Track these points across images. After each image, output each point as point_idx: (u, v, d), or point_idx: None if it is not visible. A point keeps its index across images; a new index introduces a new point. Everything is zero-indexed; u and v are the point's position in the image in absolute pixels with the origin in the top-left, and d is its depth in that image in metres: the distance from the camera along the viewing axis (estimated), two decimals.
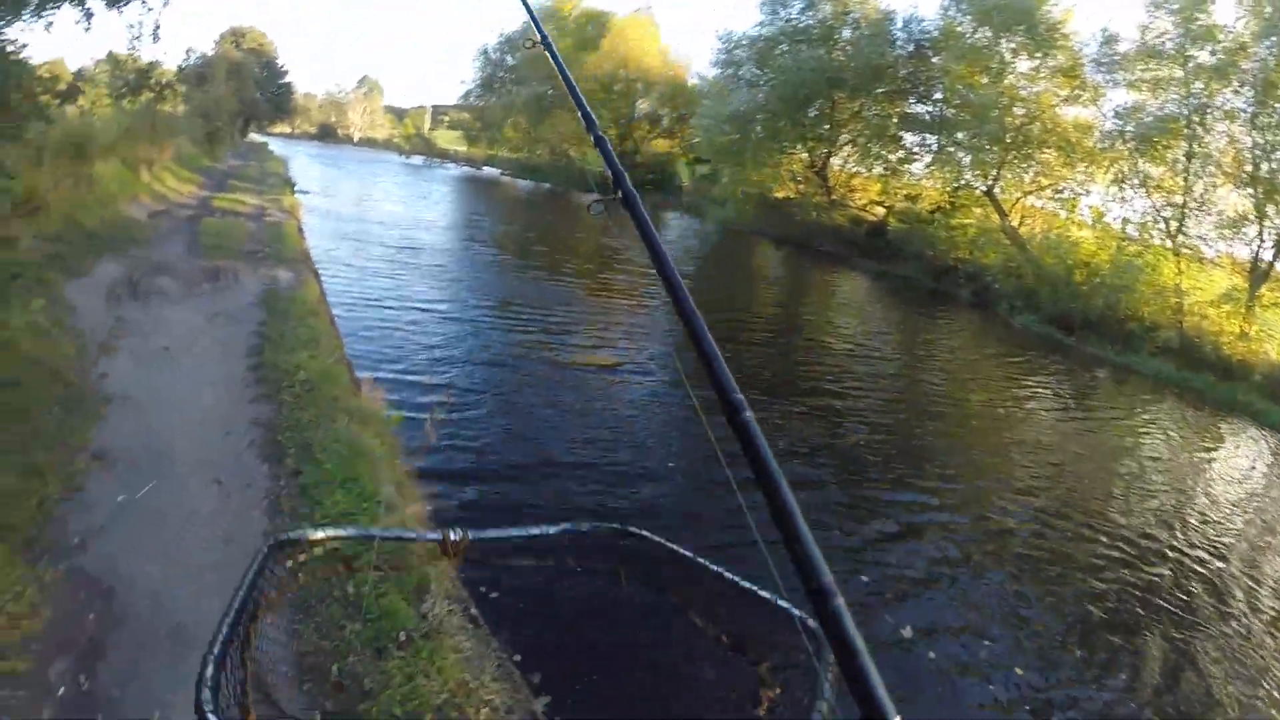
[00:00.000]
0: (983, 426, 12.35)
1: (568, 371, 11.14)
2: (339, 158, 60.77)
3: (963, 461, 10.20)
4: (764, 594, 1.55)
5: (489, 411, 9.10)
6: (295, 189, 26.16)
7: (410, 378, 9.73)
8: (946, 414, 12.57)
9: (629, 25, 51.26)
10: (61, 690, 3.37)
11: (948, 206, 31.15)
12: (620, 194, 0.96)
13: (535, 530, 1.82)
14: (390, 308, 12.98)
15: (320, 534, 1.62)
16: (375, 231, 21.41)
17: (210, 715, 1.04)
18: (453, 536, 1.69)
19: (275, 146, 52.34)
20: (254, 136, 54.20)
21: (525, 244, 25.44)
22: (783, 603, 1.46)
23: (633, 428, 9.23)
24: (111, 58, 21.11)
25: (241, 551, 4.52)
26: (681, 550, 1.75)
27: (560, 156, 52.92)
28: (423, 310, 13.19)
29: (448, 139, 78.58)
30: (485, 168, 62.19)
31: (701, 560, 1.70)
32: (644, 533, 1.79)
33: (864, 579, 6.58)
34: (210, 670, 1.15)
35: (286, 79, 55.60)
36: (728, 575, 1.67)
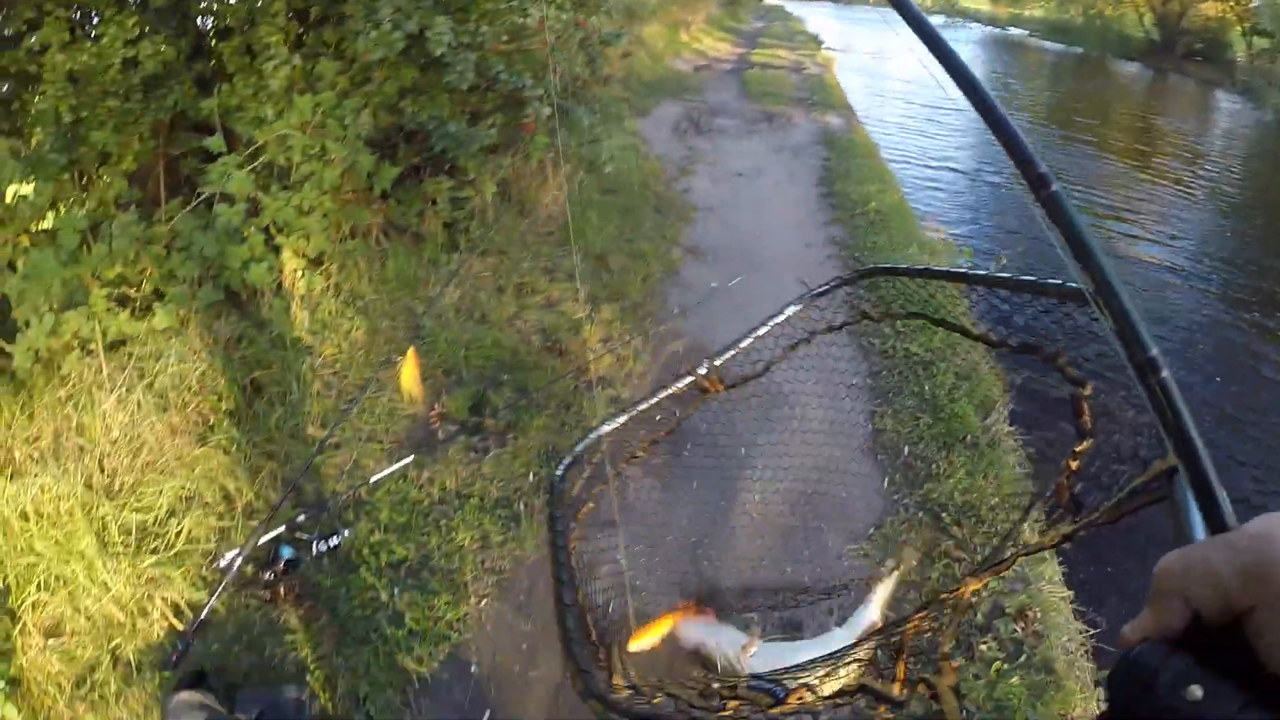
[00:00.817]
0: None
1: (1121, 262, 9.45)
2: (855, 17, 59.56)
3: None
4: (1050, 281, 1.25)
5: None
6: (824, 45, 26.08)
7: (953, 230, 9.18)
8: None
9: None
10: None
11: None
12: None
13: (772, 323, 1.72)
14: (929, 166, 12.35)
15: (591, 436, 1.64)
16: (903, 89, 20.51)
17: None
18: (702, 371, 1.68)
19: (790, 8, 52.91)
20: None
21: (1063, 114, 22.24)
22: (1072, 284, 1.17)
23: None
24: None
25: None
26: (936, 268, 1.56)
27: (1095, 16, 45.09)
28: (958, 172, 12.34)
29: None
30: (1010, 29, 56.08)
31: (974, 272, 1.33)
32: (886, 265, 1.66)
33: None
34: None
35: None
36: (994, 274, 1.41)
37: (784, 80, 15.43)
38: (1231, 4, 39.30)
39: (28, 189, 3.84)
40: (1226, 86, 33.56)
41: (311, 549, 3.07)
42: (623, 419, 1.68)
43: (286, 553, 2.97)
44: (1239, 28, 37.54)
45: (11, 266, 3.74)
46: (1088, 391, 1.20)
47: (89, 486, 3.32)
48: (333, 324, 4.28)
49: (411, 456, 3.49)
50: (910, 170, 11.71)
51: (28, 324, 3.64)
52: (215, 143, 4.03)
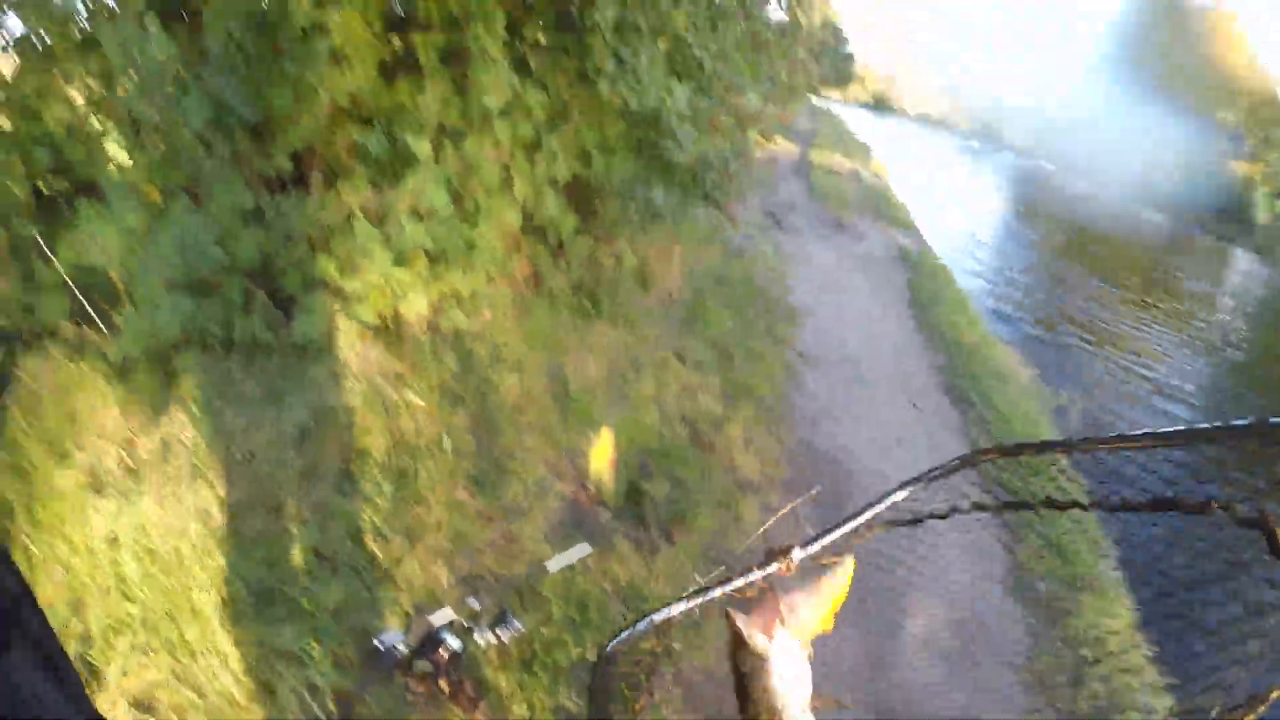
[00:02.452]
0: None
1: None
2: (894, 129, 61.54)
3: None
4: None
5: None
6: (873, 154, 26.74)
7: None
8: None
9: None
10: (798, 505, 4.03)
11: None
12: None
13: (873, 511, 1.32)
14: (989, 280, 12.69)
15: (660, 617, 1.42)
16: (957, 201, 21.17)
17: None
18: (796, 555, 1.38)
19: (835, 109, 54.41)
20: (811, 99, 57.00)
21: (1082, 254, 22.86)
22: None
23: None
24: None
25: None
26: (1059, 441, 1.18)
27: None
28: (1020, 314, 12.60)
29: None
30: (1043, 161, 57.90)
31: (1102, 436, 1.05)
32: (1005, 445, 1.23)
33: None
34: None
35: (848, 48, 58.91)
36: None
37: (846, 188, 15.88)
38: (1259, 166, 41.36)
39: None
40: (1246, 246, 35.51)
41: (475, 638, 2.70)
42: (685, 606, 1.46)
43: (451, 641, 2.61)
44: (1265, 189, 39.45)
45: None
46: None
47: (204, 522, 2.96)
48: (480, 373, 4.01)
49: (586, 545, 3.19)
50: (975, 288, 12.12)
51: (142, 304, 3.41)
52: (420, 147, 3.77)
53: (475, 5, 3.99)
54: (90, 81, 3.75)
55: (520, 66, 4.05)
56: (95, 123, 3.86)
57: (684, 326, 5.81)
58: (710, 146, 4.88)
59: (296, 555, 2.94)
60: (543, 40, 4.21)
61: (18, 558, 2.67)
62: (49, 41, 3.70)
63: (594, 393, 4.41)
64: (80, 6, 3.71)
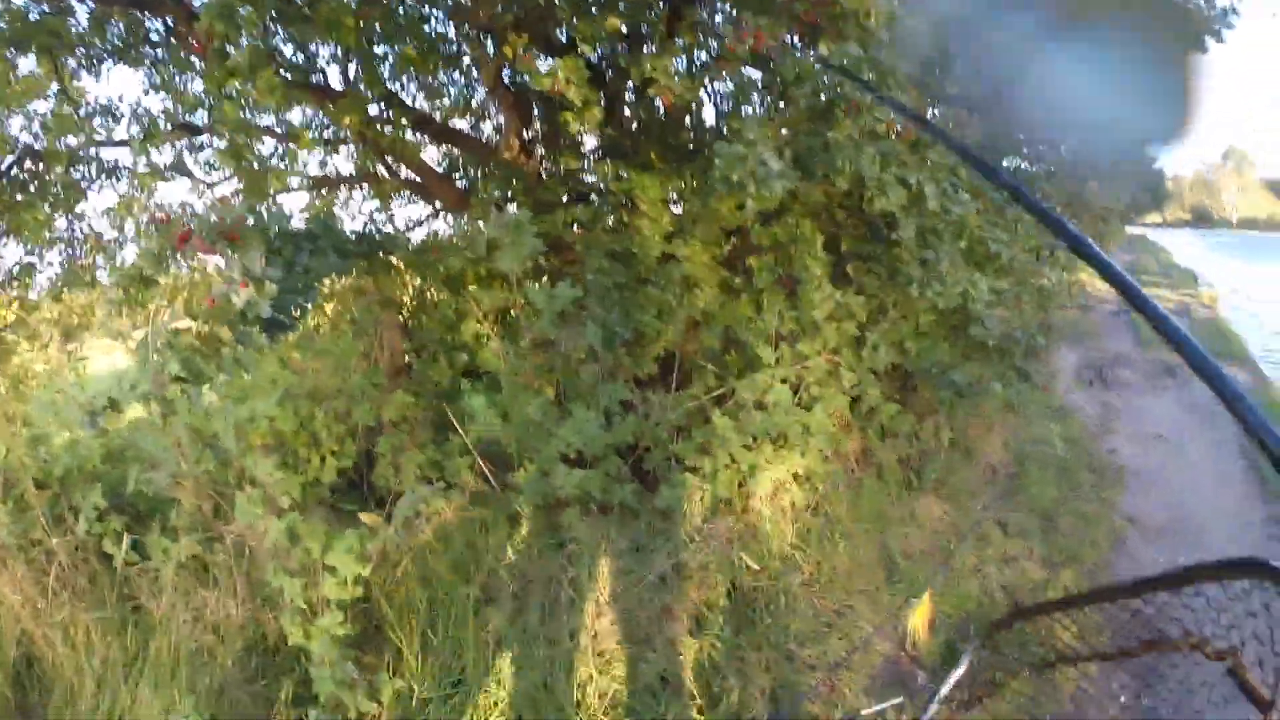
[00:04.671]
0: None
1: None
2: (1220, 244, 56.30)
3: None
4: None
5: None
6: (1200, 281, 25.10)
7: None
8: None
9: None
10: (1122, 698, 4.14)
11: None
12: None
13: None
14: None
15: None
16: None
17: None
18: None
19: (1152, 236, 50.85)
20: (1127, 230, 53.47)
21: None
22: None
23: None
24: None
25: None
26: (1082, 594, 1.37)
27: None
28: None
29: None
30: None
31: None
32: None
33: None
34: None
35: (1156, 164, 54.13)
36: None
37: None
38: None
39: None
40: None
41: None
42: None
43: None
44: None
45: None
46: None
47: (575, 640, 3.95)
48: (814, 543, 4.72)
49: (900, 698, 3.75)
50: None
51: (536, 471, 4.53)
52: (765, 352, 4.79)
53: (797, 230, 4.97)
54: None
55: (840, 277, 4.92)
56: (492, 335, 5.18)
57: (1007, 496, 6.15)
58: (1017, 323, 5.41)
59: (648, 675, 3.78)
60: (856, 252, 5.09)
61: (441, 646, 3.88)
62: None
63: (917, 560, 4.96)
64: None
